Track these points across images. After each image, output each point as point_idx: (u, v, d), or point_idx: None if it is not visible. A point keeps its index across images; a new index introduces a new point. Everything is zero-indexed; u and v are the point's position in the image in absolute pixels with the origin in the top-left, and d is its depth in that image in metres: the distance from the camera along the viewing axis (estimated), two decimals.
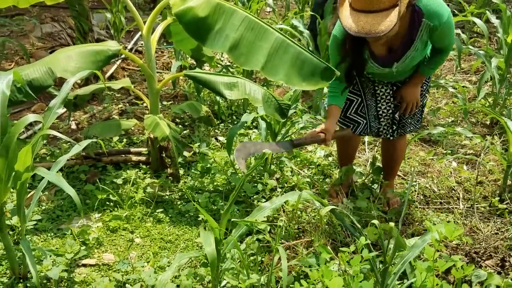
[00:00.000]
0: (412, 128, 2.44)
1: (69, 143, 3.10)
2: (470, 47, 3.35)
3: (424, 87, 2.33)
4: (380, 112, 2.34)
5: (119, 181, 2.65)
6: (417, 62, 2.12)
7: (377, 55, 2.08)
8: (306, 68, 2.25)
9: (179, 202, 2.57)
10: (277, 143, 2.31)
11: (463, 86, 4.01)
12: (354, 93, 2.33)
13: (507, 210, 2.49)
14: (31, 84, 2.23)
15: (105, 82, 2.76)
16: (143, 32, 2.60)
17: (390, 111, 2.33)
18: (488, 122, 3.54)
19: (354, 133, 2.39)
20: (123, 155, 2.92)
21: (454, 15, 5.52)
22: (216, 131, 3.51)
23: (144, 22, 2.62)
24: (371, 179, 2.75)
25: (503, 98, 3.50)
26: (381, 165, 2.66)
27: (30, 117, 1.76)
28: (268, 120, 2.84)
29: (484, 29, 3.35)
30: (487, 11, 3.78)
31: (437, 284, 1.34)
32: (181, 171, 2.81)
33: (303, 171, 2.97)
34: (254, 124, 3.49)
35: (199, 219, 2.43)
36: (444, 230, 1.28)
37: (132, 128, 3.35)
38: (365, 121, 2.36)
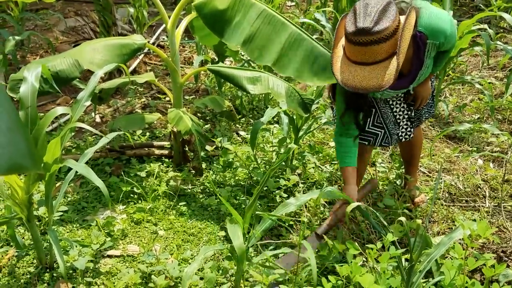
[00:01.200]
0: (427, 115, 2.35)
1: (94, 136, 3.15)
2: (498, 42, 3.26)
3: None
4: (398, 116, 2.23)
5: (143, 174, 2.68)
6: None
7: None
8: (318, 63, 2.22)
9: (201, 196, 2.59)
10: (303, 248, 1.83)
11: (489, 83, 3.92)
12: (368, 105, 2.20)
13: None
14: (58, 76, 2.26)
15: (130, 76, 2.78)
16: (167, 27, 2.62)
17: (405, 111, 2.24)
18: None
19: (374, 145, 2.26)
20: (146, 149, 2.95)
21: (481, 10, 5.41)
22: (238, 126, 3.51)
23: (168, 17, 2.63)
24: (393, 174, 2.72)
25: None
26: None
27: (59, 110, 1.78)
28: (290, 115, 2.83)
29: None
30: None
31: (466, 282, 1.32)
32: (204, 165, 2.81)
33: (325, 167, 2.95)
34: (275, 119, 3.48)
35: (221, 212, 2.43)
36: (476, 227, 1.26)
37: (155, 122, 3.38)
38: (383, 131, 2.22)
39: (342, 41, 1.80)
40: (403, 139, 2.31)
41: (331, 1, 5.37)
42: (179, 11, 2.58)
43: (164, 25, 2.79)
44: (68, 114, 1.83)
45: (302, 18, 3.91)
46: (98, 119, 3.49)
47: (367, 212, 1.91)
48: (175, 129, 2.63)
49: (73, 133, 2.32)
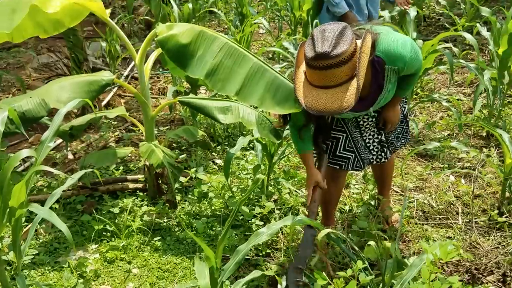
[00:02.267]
0: (403, 141, 2.38)
1: (66, 173, 3.11)
2: (461, 61, 3.37)
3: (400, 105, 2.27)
4: (367, 141, 2.25)
5: (116, 210, 2.65)
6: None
7: None
8: (280, 93, 2.26)
9: (176, 229, 2.56)
10: (304, 244, 2.02)
11: (457, 99, 4.03)
12: (337, 130, 2.22)
13: (506, 223, 2.47)
14: (24, 116, 2.24)
15: (101, 112, 2.79)
16: (135, 62, 2.63)
17: (376, 136, 2.26)
18: (484, 134, 3.54)
19: (347, 169, 2.28)
20: (120, 183, 2.92)
21: (446, 28, 5.59)
22: (214, 154, 3.52)
23: (136, 52, 2.65)
24: (367, 195, 2.75)
25: (498, 109, 3.50)
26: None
27: (24, 153, 1.76)
28: (263, 142, 2.85)
29: (474, 43, 3.38)
30: (477, 24, 3.81)
31: None
32: (178, 197, 2.80)
33: (301, 191, 2.96)
34: (251, 145, 3.50)
35: (197, 245, 2.41)
36: (439, 252, 1.27)
37: (129, 155, 3.36)
38: (354, 155, 2.24)
39: (303, 67, 1.84)
40: (375, 162, 2.33)
41: (301, 27, 5.48)
42: (147, 46, 2.60)
43: None
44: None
45: (270, 48, 3.97)
46: (70, 156, 3.45)
47: (338, 240, 1.91)
48: (147, 163, 2.62)
49: (39, 175, 2.28)
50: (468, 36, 3.33)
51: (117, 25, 5.25)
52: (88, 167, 3.01)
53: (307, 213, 2.15)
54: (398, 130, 2.32)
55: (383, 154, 2.31)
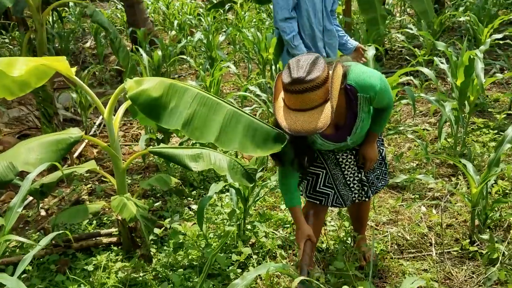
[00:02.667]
0: (383, 182, 2.47)
1: (38, 232, 3.05)
2: (422, 94, 3.51)
3: (377, 144, 2.37)
4: (348, 179, 2.34)
5: (90, 267, 2.60)
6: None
7: (328, 135, 2.13)
8: (258, 136, 2.31)
9: (153, 283, 2.53)
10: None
11: (423, 129, 4.16)
12: (317, 166, 2.33)
13: (478, 252, 2.52)
14: None
15: (71, 168, 2.77)
16: (104, 116, 2.65)
17: (357, 174, 2.35)
18: (452, 162, 3.65)
19: (327, 205, 2.36)
20: (94, 239, 2.88)
21: (407, 61, 5.82)
22: (189, 199, 3.51)
23: (105, 104, 2.67)
24: (343, 232, 2.78)
25: (462, 138, 3.63)
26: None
27: None
28: (237, 187, 2.87)
29: (432, 77, 3.53)
30: (435, 58, 3.99)
31: None
32: (154, 249, 2.77)
33: (278, 231, 2.97)
34: (226, 187, 3.51)
35: None
36: None
37: (103, 208, 3.33)
38: (333, 191, 2.34)
39: (281, 94, 1.98)
40: (357, 200, 2.41)
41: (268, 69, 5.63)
42: (115, 101, 2.63)
43: None
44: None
45: (238, 92, 4.06)
46: (43, 213, 3.40)
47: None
48: (119, 218, 2.60)
49: (8, 242, 2.24)
50: (425, 70, 3.49)
51: (88, 74, 5.32)
52: (60, 225, 2.97)
53: (299, 270, 2.10)
54: (378, 171, 2.42)
55: (363, 193, 2.40)
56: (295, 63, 1.87)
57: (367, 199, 2.43)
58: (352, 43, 3.56)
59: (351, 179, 2.35)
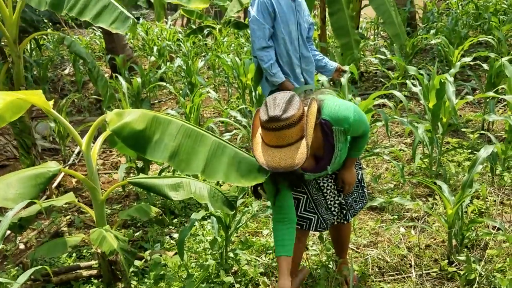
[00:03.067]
0: (361, 205, 2.52)
1: (17, 267, 2.99)
2: (396, 117, 3.61)
3: (356, 168, 2.44)
4: (329, 203, 2.39)
5: None
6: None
7: (308, 167, 2.20)
8: (243, 166, 2.35)
9: None
10: None
11: (399, 150, 4.25)
12: (299, 192, 2.36)
13: (456, 272, 2.57)
14: None
15: (48, 201, 2.74)
16: (82, 148, 2.65)
17: (337, 197, 2.41)
18: None
19: (309, 230, 2.40)
20: (73, 272, 2.84)
21: (382, 83, 5.97)
22: (170, 227, 3.49)
23: (84, 131, 2.67)
24: (325, 256, 2.80)
25: (437, 158, 3.72)
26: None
27: None
28: (218, 214, 2.87)
29: (404, 100, 3.64)
30: (407, 81, 4.11)
31: None
32: (135, 281, 2.74)
33: (261, 258, 2.98)
34: (207, 214, 3.50)
35: None
36: None
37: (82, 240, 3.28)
38: (316, 216, 2.38)
39: (259, 130, 2.03)
40: (335, 223, 2.46)
41: (248, 93, 5.69)
42: (93, 133, 2.63)
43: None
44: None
45: (219, 118, 4.10)
46: (22, 246, 3.33)
47: None
48: (99, 251, 2.58)
49: None
50: (398, 94, 3.59)
51: (67, 103, 5.29)
52: (39, 258, 2.92)
53: None
54: (355, 194, 2.48)
55: (341, 215, 2.45)
56: (272, 101, 1.93)
57: (345, 222, 2.47)
58: (332, 64, 3.69)
59: (332, 203, 2.41)
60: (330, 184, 2.38)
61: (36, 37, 8.75)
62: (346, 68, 3.77)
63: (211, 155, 2.41)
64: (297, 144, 1.89)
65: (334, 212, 2.42)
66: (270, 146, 1.93)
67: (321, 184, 2.37)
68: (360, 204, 2.52)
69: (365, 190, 2.54)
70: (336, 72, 3.68)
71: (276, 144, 1.91)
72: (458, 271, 2.57)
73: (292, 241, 2.16)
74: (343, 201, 2.43)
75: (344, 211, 2.44)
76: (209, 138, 2.46)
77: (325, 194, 2.38)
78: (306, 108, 1.97)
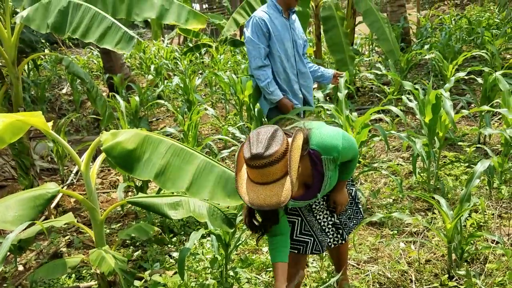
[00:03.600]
0: (355, 221, 2.50)
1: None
2: (393, 132, 3.63)
3: (348, 187, 2.41)
4: (322, 224, 2.38)
5: None
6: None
7: (297, 196, 2.15)
8: (230, 185, 2.37)
9: None
10: None
11: (397, 164, 4.27)
12: (292, 214, 2.35)
13: (456, 287, 2.56)
14: None
15: (48, 221, 2.74)
16: (81, 168, 2.66)
17: (330, 218, 2.38)
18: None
19: (305, 253, 2.36)
20: None
21: (378, 98, 6.02)
22: (170, 246, 3.48)
23: (82, 151, 2.68)
24: (325, 273, 2.79)
25: (435, 172, 3.74)
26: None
27: None
28: (217, 232, 2.87)
29: (401, 115, 3.67)
30: (403, 96, 4.15)
31: None
32: None
33: (261, 275, 2.96)
34: (207, 232, 3.50)
35: None
36: None
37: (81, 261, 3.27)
38: (312, 238, 2.36)
39: (245, 166, 1.95)
40: (333, 245, 2.43)
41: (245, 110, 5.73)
42: (91, 154, 2.64)
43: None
44: None
45: (217, 136, 4.12)
46: (21, 268, 3.31)
47: None
48: (98, 271, 2.56)
49: None
50: (394, 109, 3.62)
51: (65, 122, 5.31)
52: (39, 280, 2.90)
53: None
54: (349, 212, 2.46)
55: (339, 236, 2.43)
56: (255, 136, 1.87)
57: (343, 242, 2.45)
58: (329, 71, 3.77)
59: (325, 224, 2.39)
60: (321, 206, 2.35)
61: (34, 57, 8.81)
62: (343, 73, 3.83)
63: (198, 173, 2.43)
64: (282, 180, 1.83)
65: (329, 234, 2.39)
66: (255, 183, 1.85)
67: (313, 206, 2.34)
68: (355, 221, 2.50)
69: (359, 206, 2.52)
70: (334, 78, 3.74)
71: (261, 181, 1.84)
72: (459, 286, 2.57)
73: (287, 248, 2.18)
74: (337, 221, 2.40)
75: (340, 231, 2.42)
76: (197, 158, 2.49)
77: (316, 215, 2.36)
78: (291, 141, 1.91)
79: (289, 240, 2.21)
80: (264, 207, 1.83)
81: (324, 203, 2.35)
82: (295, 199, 2.16)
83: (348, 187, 2.40)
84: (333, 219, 2.39)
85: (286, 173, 1.84)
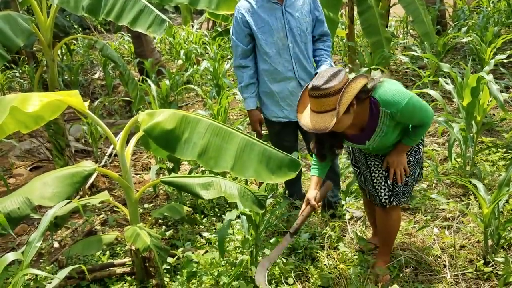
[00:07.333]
0: (404, 199, 2.52)
1: (52, 264, 3.07)
2: None
3: (411, 158, 2.48)
4: (375, 181, 2.53)
5: None
6: (396, 138, 2.35)
7: (350, 135, 2.39)
8: (272, 163, 2.38)
9: None
10: (280, 244, 2.56)
11: (432, 149, 4.17)
12: (354, 165, 2.69)
13: (493, 273, 2.50)
14: (10, 217, 2.26)
15: (84, 199, 2.82)
16: (116, 148, 2.70)
17: (383, 178, 2.50)
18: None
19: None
20: (107, 269, 2.89)
21: (413, 81, 5.87)
22: (201, 226, 3.52)
23: (115, 134, 2.73)
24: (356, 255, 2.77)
25: (471, 157, 3.63)
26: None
27: (10, 256, 1.78)
28: (248, 214, 2.88)
29: (439, 98, 3.56)
30: (440, 79, 4.03)
31: None
32: (167, 278, 2.78)
33: (291, 257, 2.96)
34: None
35: None
36: None
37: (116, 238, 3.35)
38: (367, 190, 2.66)
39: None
40: (379, 203, 2.52)
41: None
42: (127, 133, 2.69)
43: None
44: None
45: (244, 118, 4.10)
46: (56, 245, 3.42)
47: None
48: (133, 247, 2.62)
49: (26, 277, 2.26)
50: (432, 92, 3.52)
51: (99, 106, 5.42)
52: (74, 256, 2.99)
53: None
54: (404, 186, 2.50)
55: (386, 197, 2.50)
56: (320, 73, 2.16)
57: (386, 206, 2.49)
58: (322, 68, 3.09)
59: (377, 181, 2.53)
60: (377, 164, 2.53)
61: (67, 42, 9.00)
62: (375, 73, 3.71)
63: (239, 152, 2.44)
64: (333, 112, 2.08)
65: (378, 191, 2.51)
66: (312, 111, 2.16)
67: (370, 162, 2.55)
68: (404, 199, 2.50)
69: (412, 188, 2.56)
70: None
71: (316, 109, 2.13)
72: (495, 271, 2.50)
73: (325, 170, 2.54)
74: (390, 184, 2.48)
75: (388, 195, 2.49)
76: (237, 136, 2.49)
77: (371, 172, 2.54)
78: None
79: (327, 169, 2.55)
80: (312, 130, 2.15)
81: (381, 162, 2.51)
82: (347, 139, 2.41)
83: (411, 159, 2.47)
84: (387, 180, 2.48)
85: (334, 108, 2.08)
